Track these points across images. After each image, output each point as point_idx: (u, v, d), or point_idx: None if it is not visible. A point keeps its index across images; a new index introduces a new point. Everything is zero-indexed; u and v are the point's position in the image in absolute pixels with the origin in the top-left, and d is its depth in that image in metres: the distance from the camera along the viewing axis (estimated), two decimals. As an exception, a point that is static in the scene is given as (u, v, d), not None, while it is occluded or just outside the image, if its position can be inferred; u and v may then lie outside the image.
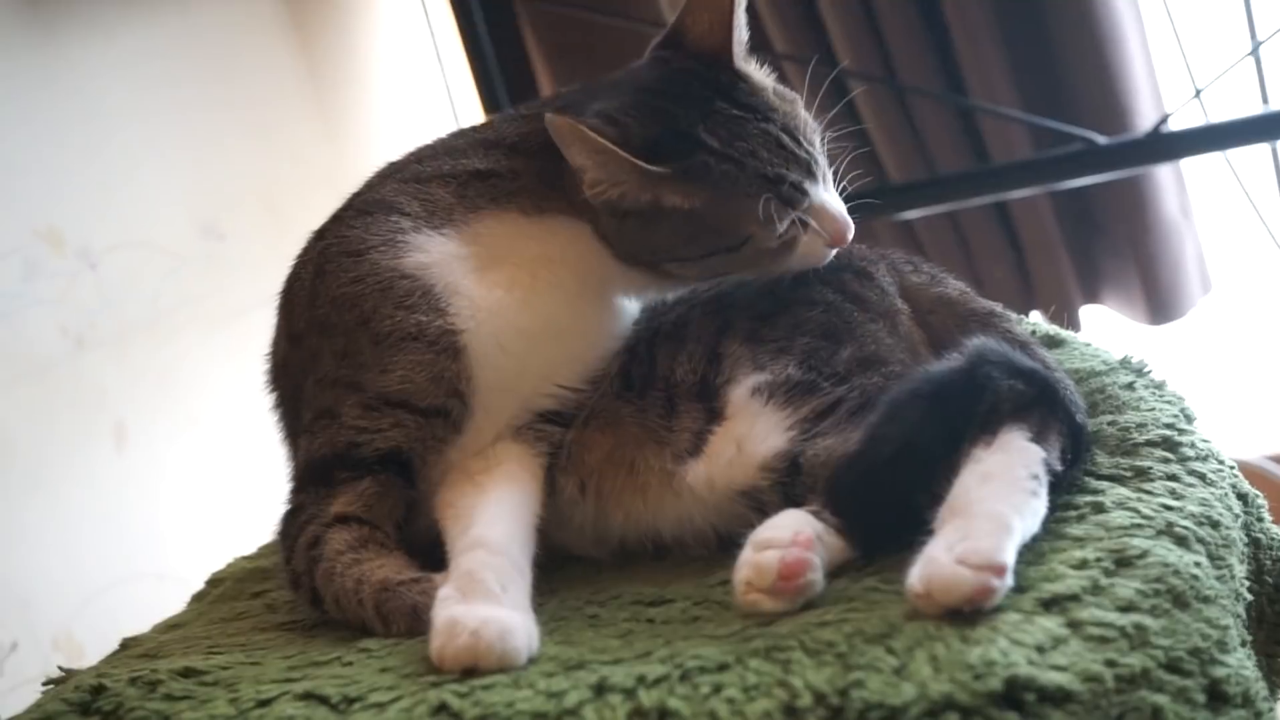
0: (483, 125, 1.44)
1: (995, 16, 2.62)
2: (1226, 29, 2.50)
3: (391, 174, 1.37)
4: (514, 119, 1.38)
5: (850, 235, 1.29)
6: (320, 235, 1.37)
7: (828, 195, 1.28)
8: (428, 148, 1.41)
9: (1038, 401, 1.13)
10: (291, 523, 1.25)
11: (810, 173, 1.26)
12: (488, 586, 1.08)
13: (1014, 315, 1.40)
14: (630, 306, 1.37)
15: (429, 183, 1.32)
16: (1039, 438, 1.09)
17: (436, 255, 1.27)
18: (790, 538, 1.04)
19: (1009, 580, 0.95)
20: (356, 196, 1.38)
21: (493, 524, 1.18)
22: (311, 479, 1.26)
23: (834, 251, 1.30)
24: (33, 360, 2.17)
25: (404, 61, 3.18)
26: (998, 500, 1.01)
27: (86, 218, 2.31)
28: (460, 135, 1.41)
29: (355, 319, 1.25)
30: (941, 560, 0.95)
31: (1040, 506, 1.05)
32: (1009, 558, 0.96)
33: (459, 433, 1.26)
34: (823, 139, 1.31)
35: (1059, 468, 1.10)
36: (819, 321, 1.28)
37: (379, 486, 1.23)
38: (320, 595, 1.20)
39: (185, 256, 2.51)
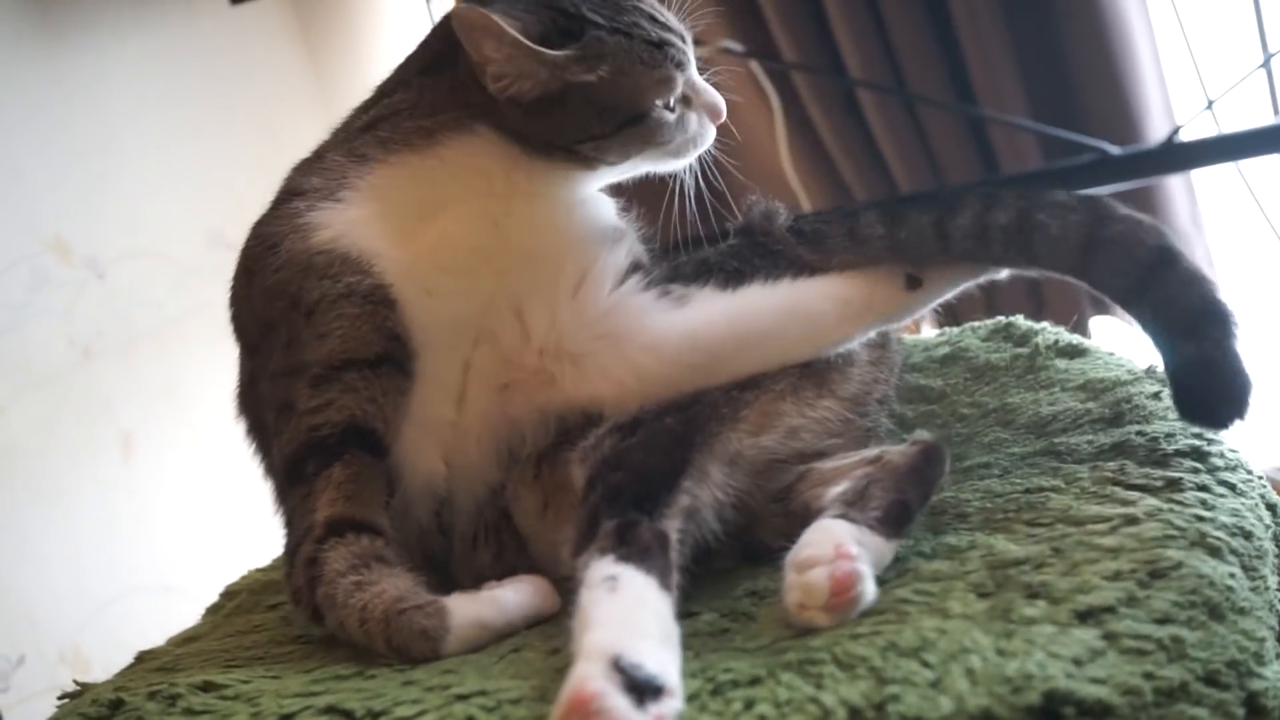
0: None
1: (1006, 26, 2.61)
2: (1238, 40, 2.49)
3: (299, 161, 1.37)
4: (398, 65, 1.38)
5: (724, 111, 1.32)
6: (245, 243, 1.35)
7: (698, 75, 1.32)
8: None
9: None
10: (290, 535, 1.23)
11: (685, 42, 1.30)
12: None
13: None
14: (598, 205, 1.35)
15: (325, 154, 1.32)
16: None
17: (340, 225, 1.26)
18: (832, 552, 1.01)
19: None
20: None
21: None
22: (290, 482, 1.23)
23: (714, 129, 1.33)
24: (40, 370, 2.16)
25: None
26: None
27: (94, 227, 2.30)
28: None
29: (287, 304, 1.25)
30: None
31: None
32: None
33: (409, 376, 1.24)
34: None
35: None
36: None
37: (350, 468, 1.20)
38: (322, 614, 1.16)
39: (193, 266, 2.49)
